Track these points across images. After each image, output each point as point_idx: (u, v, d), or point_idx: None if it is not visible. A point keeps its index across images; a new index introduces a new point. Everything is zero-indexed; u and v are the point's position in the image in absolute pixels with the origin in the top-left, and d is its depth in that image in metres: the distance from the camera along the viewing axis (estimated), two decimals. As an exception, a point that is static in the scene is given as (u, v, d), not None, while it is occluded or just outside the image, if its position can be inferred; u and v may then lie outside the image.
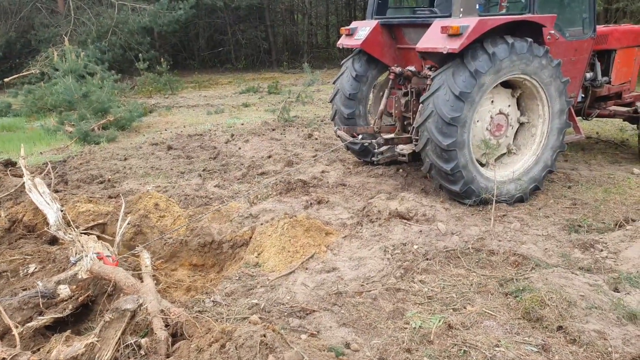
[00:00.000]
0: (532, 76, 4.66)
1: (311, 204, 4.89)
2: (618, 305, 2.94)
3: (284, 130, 8.57)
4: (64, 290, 2.70)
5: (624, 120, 6.69)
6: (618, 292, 3.14)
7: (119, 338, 1.94)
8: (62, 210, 4.34)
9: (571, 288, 3.08)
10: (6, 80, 13.22)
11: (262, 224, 4.30)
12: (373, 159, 5.26)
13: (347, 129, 5.52)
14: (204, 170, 6.27)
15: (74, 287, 2.80)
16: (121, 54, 16.07)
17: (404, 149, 5.12)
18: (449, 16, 4.68)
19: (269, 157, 6.75)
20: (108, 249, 3.40)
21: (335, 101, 6.03)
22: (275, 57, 21.82)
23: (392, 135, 5.28)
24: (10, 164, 6.33)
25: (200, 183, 5.76)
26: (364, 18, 6.26)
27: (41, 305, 2.56)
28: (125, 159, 6.95)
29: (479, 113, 4.63)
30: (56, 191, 5.38)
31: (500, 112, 4.84)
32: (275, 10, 23.21)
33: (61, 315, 2.60)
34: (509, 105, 4.89)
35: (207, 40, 22.50)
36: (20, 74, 13.31)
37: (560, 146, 5.02)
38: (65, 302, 2.65)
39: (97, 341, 1.89)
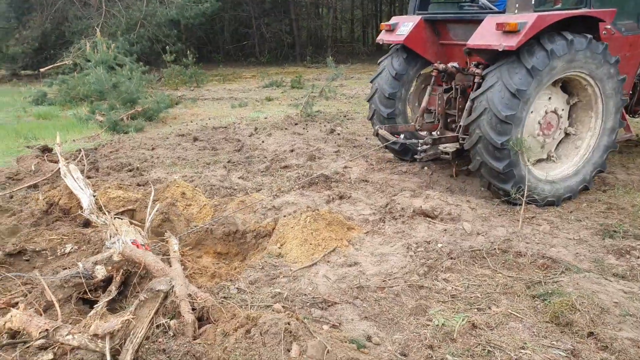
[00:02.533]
0: (597, 82, 4.62)
1: (333, 198, 4.96)
2: (654, 314, 2.88)
3: (306, 124, 8.65)
4: (100, 271, 2.86)
5: None
6: (654, 300, 3.08)
7: (152, 317, 2.06)
8: (94, 196, 4.54)
9: (604, 294, 3.03)
10: (42, 70, 13.68)
11: (284, 216, 4.40)
12: (416, 157, 5.25)
13: (388, 127, 5.50)
14: (228, 161, 6.41)
15: (110, 268, 2.95)
16: (149, 46, 16.38)
17: (448, 146, 5.10)
18: (504, 12, 4.62)
19: (292, 151, 6.85)
20: (140, 234, 3.55)
21: (373, 101, 6.00)
22: (299, 51, 21.89)
23: (438, 135, 5.25)
24: (46, 150, 6.61)
25: (225, 174, 5.90)
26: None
27: (84, 285, 2.71)
28: (153, 149, 7.15)
29: (534, 105, 4.55)
30: (88, 177, 5.58)
31: (555, 112, 4.77)
32: (301, 3, 23.26)
33: (111, 297, 2.76)
34: (563, 110, 4.84)
35: (232, 33, 22.71)
36: (55, 65, 13.73)
37: (602, 165, 4.95)
38: (105, 282, 2.81)
39: (133, 319, 2.02)
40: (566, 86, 4.85)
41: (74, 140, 7.78)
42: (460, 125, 5.01)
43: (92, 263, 2.90)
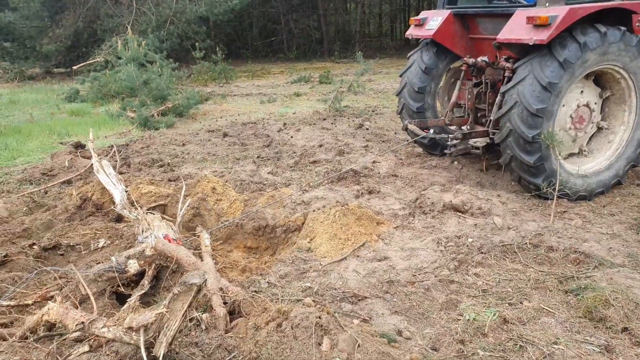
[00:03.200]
0: (631, 75, 4.51)
1: (362, 193, 4.91)
2: (690, 310, 2.78)
3: (334, 119, 8.60)
4: (133, 265, 2.89)
5: None
6: (690, 296, 2.97)
7: (186, 310, 2.06)
8: (126, 191, 4.61)
9: (639, 289, 2.94)
10: (74, 68, 14.04)
11: (314, 211, 4.37)
12: (446, 151, 5.21)
13: (418, 122, 5.47)
14: (257, 157, 6.43)
15: (142, 262, 2.98)
16: (178, 43, 16.61)
17: (478, 141, 5.05)
18: (534, 5, 4.55)
19: (320, 146, 6.81)
20: (172, 228, 3.58)
21: (403, 95, 5.96)
22: (327, 47, 21.83)
23: (468, 129, 5.19)
24: (79, 146, 6.78)
25: (255, 169, 5.92)
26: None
27: (117, 279, 2.75)
28: (183, 145, 7.24)
29: (566, 98, 4.46)
30: (120, 173, 5.69)
31: (587, 105, 4.67)
32: (329, -1, 23.19)
33: (144, 291, 2.80)
34: (595, 103, 4.74)
35: (261, 29, 22.82)
36: (87, 62, 14.08)
37: (636, 159, 4.81)
38: (137, 276, 2.84)
39: (166, 312, 2.02)
40: (599, 79, 4.73)
41: (105, 137, 7.95)
42: (490, 120, 4.94)
43: (125, 257, 2.94)
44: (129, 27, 13.98)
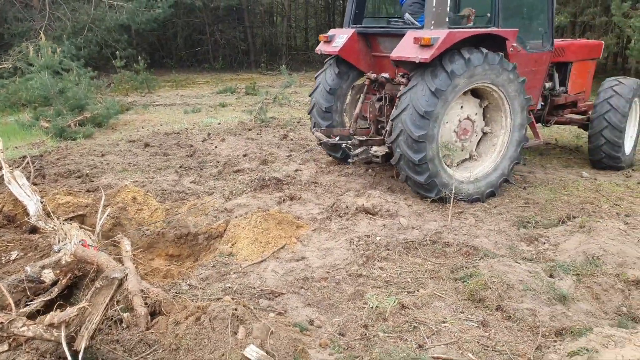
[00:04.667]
0: (499, 87, 5.11)
1: (284, 200, 5.17)
2: (550, 289, 3.34)
3: (260, 130, 8.81)
4: (48, 275, 2.91)
5: (578, 127, 7.26)
6: (553, 277, 3.55)
7: (107, 304, 2.18)
8: (42, 202, 4.51)
9: (512, 274, 3.46)
10: (-22, 74, 13.01)
11: (236, 218, 4.56)
12: (349, 160, 5.64)
13: (324, 131, 5.87)
14: (180, 167, 6.47)
15: (58, 271, 3.01)
16: (97, 51, 15.99)
17: (378, 150, 5.48)
18: (422, 27, 5.08)
19: (245, 155, 6.99)
20: (90, 237, 3.60)
21: (315, 95, 6.34)
22: (254, 59, 22.00)
23: (365, 137, 5.62)
24: (-13, 157, 6.39)
25: (177, 179, 5.97)
26: (342, 22, 6.60)
27: (27, 290, 2.76)
28: (103, 155, 7.08)
29: (448, 115, 5.01)
30: (34, 184, 5.49)
31: (468, 118, 5.27)
32: (255, 11, 23.39)
33: (51, 297, 2.81)
34: (476, 114, 5.33)
35: (185, 39, 22.50)
36: (-7, 68, 13.13)
37: (517, 158, 5.47)
38: (52, 286, 2.86)
39: (88, 306, 2.13)
40: (476, 91, 5.31)
41: (16, 147, 7.55)
42: (387, 130, 5.37)
43: (39, 267, 2.95)
44: (41, 33, 13.24)
